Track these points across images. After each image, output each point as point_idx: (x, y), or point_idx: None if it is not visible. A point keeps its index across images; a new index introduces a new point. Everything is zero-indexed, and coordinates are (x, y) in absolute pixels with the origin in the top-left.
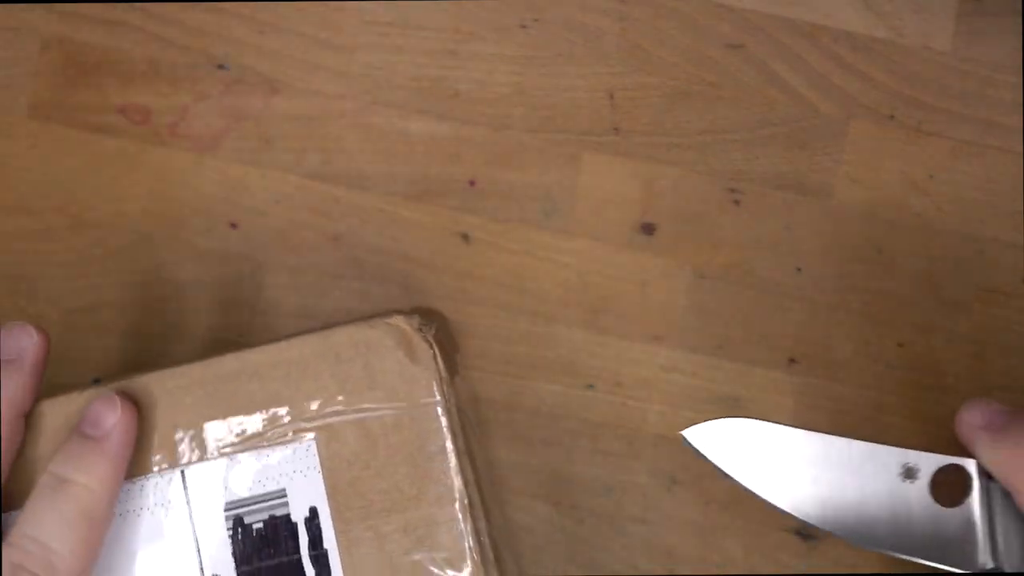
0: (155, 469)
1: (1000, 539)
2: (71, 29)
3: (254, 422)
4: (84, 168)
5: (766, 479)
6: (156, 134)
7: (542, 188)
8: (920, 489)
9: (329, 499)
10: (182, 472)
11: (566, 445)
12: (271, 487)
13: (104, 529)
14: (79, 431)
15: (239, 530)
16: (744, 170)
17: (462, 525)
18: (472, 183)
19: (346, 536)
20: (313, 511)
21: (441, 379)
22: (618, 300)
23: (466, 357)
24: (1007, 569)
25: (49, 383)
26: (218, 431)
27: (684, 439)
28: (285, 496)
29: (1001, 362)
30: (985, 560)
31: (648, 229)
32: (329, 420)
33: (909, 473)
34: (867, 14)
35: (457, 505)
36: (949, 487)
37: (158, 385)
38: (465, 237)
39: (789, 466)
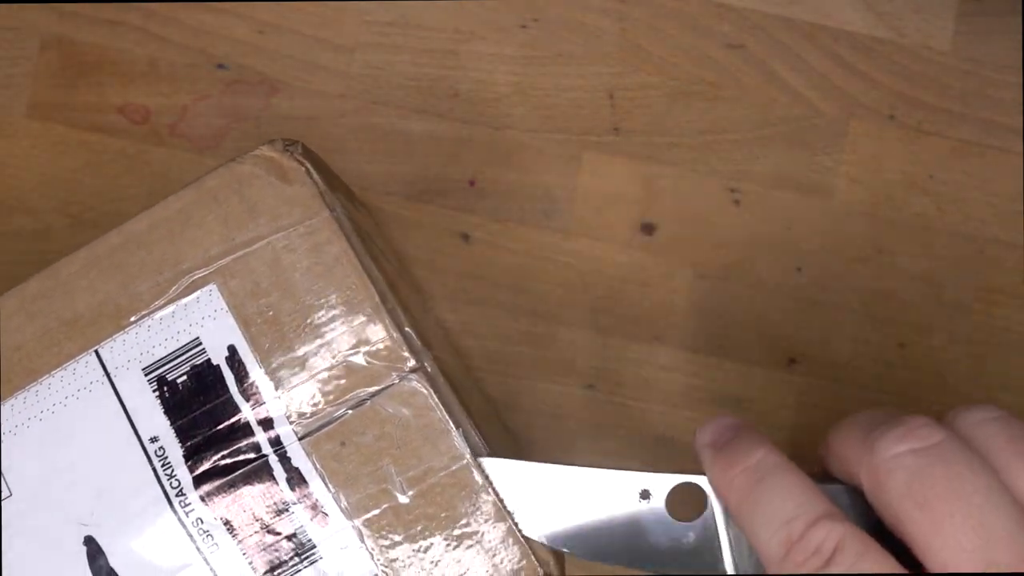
0: (68, 358)
1: (735, 550)
2: (71, 29)
3: (152, 284)
4: (84, 168)
5: (524, 515)
6: (156, 134)
7: (542, 188)
8: (656, 507)
9: (244, 334)
10: (96, 352)
11: (566, 445)
12: (184, 339)
13: None
14: None
15: (164, 389)
16: (744, 170)
17: (380, 320)
18: (472, 183)
19: (269, 363)
20: (231, 349)
21: (321, 191)
22: (618, 300)
23: (466, 358)
24: None
25: None
26: (119, 303)
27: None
28: (200, 344)
29: (1001, 362)
30: (726, 569)
31: (648, 229)
32: (223, 261)
33: (645, 494)
34: (867, 14)
35: (368, 304)
36: (691, 504)
37: (50, 279)
38: (465, 237)
39: (542, 499)
